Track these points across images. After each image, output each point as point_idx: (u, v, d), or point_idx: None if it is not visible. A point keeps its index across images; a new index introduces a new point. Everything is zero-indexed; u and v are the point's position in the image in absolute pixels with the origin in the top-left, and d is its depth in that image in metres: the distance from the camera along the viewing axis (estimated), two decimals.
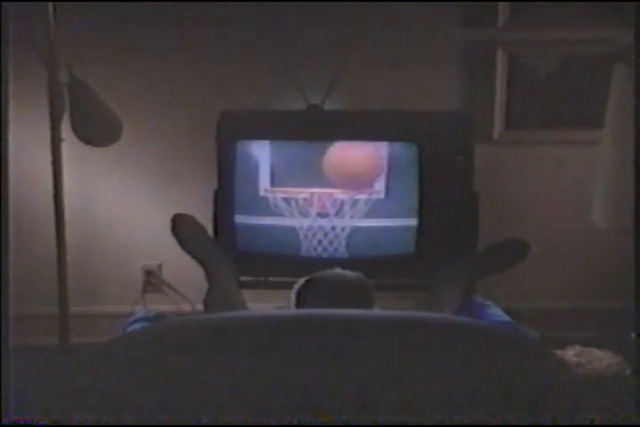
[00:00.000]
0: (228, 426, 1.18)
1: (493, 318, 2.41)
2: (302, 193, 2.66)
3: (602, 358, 2.72)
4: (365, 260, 2.64)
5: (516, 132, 3.03)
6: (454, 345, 1.26)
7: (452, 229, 2.62)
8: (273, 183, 2.67)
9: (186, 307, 3.02)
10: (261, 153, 2.67)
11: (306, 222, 2.68)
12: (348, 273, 2.18)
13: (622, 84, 2.42)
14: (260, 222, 2.69)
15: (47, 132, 2.70)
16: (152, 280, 3.14)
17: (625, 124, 2.25)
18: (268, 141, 2.67)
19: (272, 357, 1.21)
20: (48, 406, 1.21)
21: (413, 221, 2.63)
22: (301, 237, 2.69)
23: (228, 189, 2.68)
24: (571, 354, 2.73)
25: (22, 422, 1.22)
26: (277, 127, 2.70)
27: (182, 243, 2.58)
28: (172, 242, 2.58)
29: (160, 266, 3.14)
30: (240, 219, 2.69)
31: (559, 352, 2.67)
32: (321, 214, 2.67)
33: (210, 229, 2.67)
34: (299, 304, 2.13)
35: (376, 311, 1.91)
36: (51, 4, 2.63)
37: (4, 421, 1.26)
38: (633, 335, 2.13)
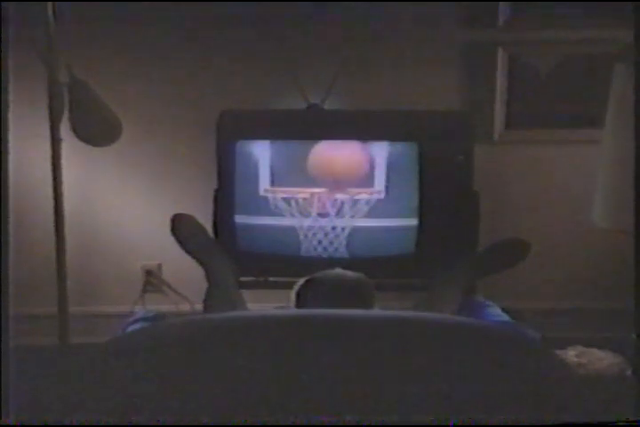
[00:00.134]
0: (228, 426, 1.18)
1: (493, 318, 2.41)
2: (302, 193, 2.66)
3: (602, 359, 2.72)
4: (365, 260, 2.64)
5: (516, 132, 3.02)
6: (454, 345, 1.25)
7: (452, 229, 2.62)
8: (273, 183, 2.67)
9: (186, 307, 3.02)
10: (261, 153, 2.66)
11: (306, 222, 2.68)
12: (348, 273, 2.17)
13: (622, 84, 2.42)
14: (260, 222, 2.69)
15: (47, 132, 2.70)
16: (152, 280, 3.13)
17: (625, 124, 2.25)
18: (267, 141, 2.67)
19: (272, 357, 1.21)
20: (48, 406, 1.21)
21: (413, 221, 2.63)
22: (301, 237, 2.69)
23: (227, 189, 2.68)
24: (571, 354, 2.73)
25: (22, 423, 1.22)
26: (277, 127, 2.70)
27: (182, 243, 2.58)
28: (171, 242, 2.58)
29: (160, 266, 3.14)
30: (240, 219, 2.69)
31: (560, 352, 2.67)
32: (321, 214, 2.67)
33: (210, 229, 2.67)
34: (299, 304, 2.12)
35: (376, 311, 1.91)
36: (51, 4, 2.62)
37: (4, 421, 1.26)
38: (634, 336, 2.13)
